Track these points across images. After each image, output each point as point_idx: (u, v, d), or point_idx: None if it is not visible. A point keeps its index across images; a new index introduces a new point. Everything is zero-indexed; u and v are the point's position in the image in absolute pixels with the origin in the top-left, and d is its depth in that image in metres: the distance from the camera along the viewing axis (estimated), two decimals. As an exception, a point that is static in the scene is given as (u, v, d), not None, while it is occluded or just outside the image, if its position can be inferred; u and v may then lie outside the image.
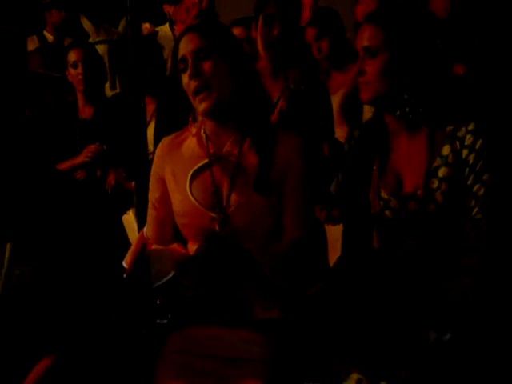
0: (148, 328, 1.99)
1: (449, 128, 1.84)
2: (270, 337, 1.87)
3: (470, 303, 1.72)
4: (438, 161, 1.84)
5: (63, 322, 2.12)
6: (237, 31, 3.20)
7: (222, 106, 1.92)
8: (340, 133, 3.00)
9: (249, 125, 1.98)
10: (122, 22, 4.81)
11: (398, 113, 1.85)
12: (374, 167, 1.93)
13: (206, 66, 1.90)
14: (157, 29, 4.87)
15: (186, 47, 1.93)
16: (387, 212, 1.90)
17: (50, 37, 5.14)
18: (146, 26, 4.65)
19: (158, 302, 1.99)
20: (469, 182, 1.81)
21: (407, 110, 1.84)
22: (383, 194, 1.91)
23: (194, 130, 2.03)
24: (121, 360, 1.98)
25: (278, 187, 1.96)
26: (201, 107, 1.92)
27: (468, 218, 1.81)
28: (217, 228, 1.94)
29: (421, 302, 1.77)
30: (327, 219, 1.97)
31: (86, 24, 4.92)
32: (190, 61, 1.91)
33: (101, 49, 4.56)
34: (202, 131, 2.02)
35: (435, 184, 1.83)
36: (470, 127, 1.82)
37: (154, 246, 2.08)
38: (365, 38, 1.85)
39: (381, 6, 1.94)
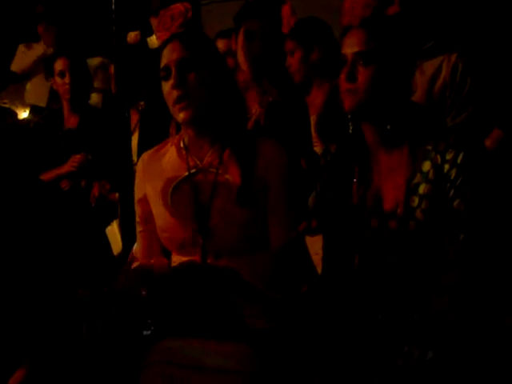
0: (132, 339, 1.98)
1: (429, 143, 1.81)
2: (255, 348, 1.87)
3: (450, 320, 1.71)
4: (419, 177, 1.81)
5: (44, 333, 2.11)
6: (221, 43, 3.20)
7: (200, 115, 1.93)
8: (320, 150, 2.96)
9: (228, 135, 1.99)
10: None
11: (376, 123, 1.82)
12: (354, 183, 1.90)
13: (190, 76, 1.90)
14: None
15: (169, 56, 1.93)
16: (367, 230, 1.87)
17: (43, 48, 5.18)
18: (132, 34, 4.66)
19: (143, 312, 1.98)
20: (449, 197, 1.77)
21: (386, 121, 1.81)
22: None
23: (176, 138, 2.04)
24: (105, 370, 1.97)
25: (262, 194, 1.95)
26: (180, 116, 1.92)
27: (447, 233, 1.78)
28: (200, 240, 1.94)
29: (401, 319, 1.76)
30: (305, 230, 1.96)
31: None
32: (173, 70, 1.91)
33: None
34: (182, 143, 2.02)
35: (415, 202, 1.80)
36: (451, 141, 1.79)
37: (137, 263, 2.05)
38: (356, 43, 1.78)
39: (375, 14, 1.90)
